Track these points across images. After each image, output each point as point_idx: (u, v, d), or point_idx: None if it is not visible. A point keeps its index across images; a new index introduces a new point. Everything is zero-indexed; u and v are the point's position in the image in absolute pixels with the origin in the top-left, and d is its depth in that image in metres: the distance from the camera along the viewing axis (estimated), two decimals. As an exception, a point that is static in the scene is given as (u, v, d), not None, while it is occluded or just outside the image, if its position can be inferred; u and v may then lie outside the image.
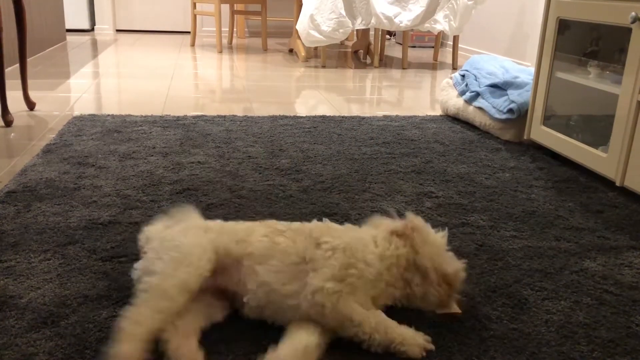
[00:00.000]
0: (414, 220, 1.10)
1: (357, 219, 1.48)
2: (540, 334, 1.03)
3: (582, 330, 1.05)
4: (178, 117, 2.46)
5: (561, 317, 1.08)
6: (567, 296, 1.16)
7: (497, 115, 2.31)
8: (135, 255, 1.18)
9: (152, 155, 1.94)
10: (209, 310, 1.01)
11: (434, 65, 4.46)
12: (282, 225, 1.10)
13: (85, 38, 5.16)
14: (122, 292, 1.10)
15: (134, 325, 0.89)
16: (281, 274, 1.00)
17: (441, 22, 4.09)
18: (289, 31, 5.77)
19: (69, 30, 5.18)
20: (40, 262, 1.20)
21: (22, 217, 1.41)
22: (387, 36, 6.07)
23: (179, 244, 1.02)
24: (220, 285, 1.04)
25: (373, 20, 3.89)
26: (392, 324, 0.97)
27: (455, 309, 1.07)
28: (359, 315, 0.95)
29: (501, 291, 1.17)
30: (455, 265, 1.07)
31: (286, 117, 2.54)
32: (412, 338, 0.96)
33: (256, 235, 1.06)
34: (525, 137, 2.22)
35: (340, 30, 3.86)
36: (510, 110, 2.25)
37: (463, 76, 2.65)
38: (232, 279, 1.03)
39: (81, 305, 1.06)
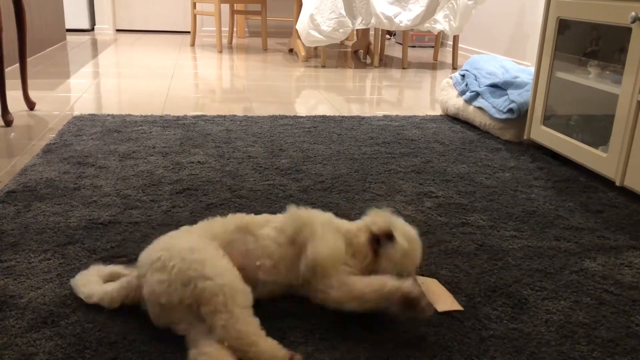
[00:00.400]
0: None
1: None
2: (540, 333, 1.03)
3: (582, 330, 1.05)
4: (178, 117, 2.46)
5: (561, 317, 1.08)
6: (567, 296, 1.16)
7: (497, 115, 2.31)
8: (135, 255, 1.18)
9: (152, 155, 1.94)
10: None
11: (434, 65, 4.46)
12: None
13: (85, 38, 5.16)
14: (122, 292, 1.10)
15: (245, 329, 0.91)
16: (281, 235, 1.09)
17: (441, 22, 4.09)
18: (289, 31, 5.77)
19: (69, 30, 5.18)
20: (40, 262, 1.20)
21: (22, 217, 1.42)
22: (387, 36, 6.07)
23: (188, 245, 1.02)
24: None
25: (373, 20, 3.89)
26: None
27: (457, 306, 1.07)
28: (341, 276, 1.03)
29: (501, 291, 1.17)
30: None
31: (286, 117, 2.54)
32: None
33: (251, 215, 1.17)
34: (525, 137, 2.22)
35: (340, 30, 3.86)
36: (510, 110, 2.25)
37: (463, 76, 2.65)
38: (240, 254, 1.06)
39: (81, 305, 1.06)
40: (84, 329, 0.99)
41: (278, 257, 1.07)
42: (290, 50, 4.82)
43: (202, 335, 0.92)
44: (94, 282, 1.09)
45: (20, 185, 1.61)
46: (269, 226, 1.12)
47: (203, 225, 1.13)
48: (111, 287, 1.06)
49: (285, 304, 1.08)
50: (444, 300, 1.11)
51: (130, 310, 1.04)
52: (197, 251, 0.99)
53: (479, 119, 2.44)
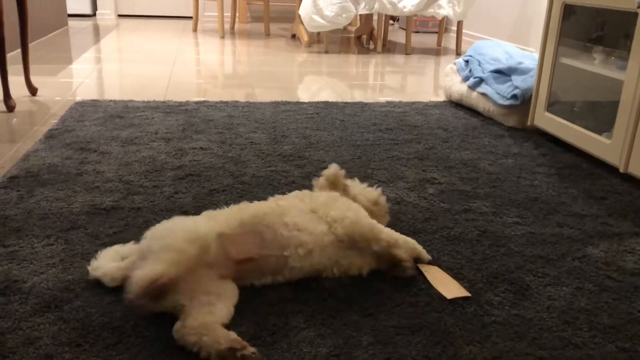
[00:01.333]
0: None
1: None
2: (542, 319, 1.03)
3: (584, 316, 1.05)
4: (180, 102, 2.46)
5: (563, 303, 1.09)
6: (569, 282, 1.16)
7: (501, 101, 2.30)
8: (137, 241, 1.18)
9: (154, 141, 1.93)
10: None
11: (437, 51, 4.43)
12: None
13: (87, 23, 5.13)
14: (125, 277, 1.11)
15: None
16: (307, 221, 1.12)
17: (445, 8, 4.06)
18: (291, 16, 5.74)
19: (70, 16, 5.15)
20: (43, 247, 1.21)
21: (25, 203, 1.42)
22: (391, 21, 6.02)
23: (179, 221, 1.05)
24: (239, 257, 1.05)
25: (376, 5, 3.87)
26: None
27: (464, 292, 1.09)
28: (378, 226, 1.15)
29: (503, 277, 1.17)
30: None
31: (288, 103, 2.54)
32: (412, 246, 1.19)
33: (257, 204, 1.18)
34: (528, 124, 2.21)
35: (344, 15, 3.84)
36: (514, 96, 2.24)
37: (467, 62, 2.63)
38: (254, 245, 1.06)
39: (84, 289, 1.06)
40: (87, 313, 0.99)
41: (314, 244, 1.10)
42: (293, 36, 4.79)
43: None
44: (107, 258, 1.10)
45: (22, 171, 1.62)
46: (289, 215, 1.12)
47: (211, 214, 1.14)
48: (115, 265, 1.08)
49: (287, 289, 1.08)
50: (450, 287, 1.11)
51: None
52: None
53: (482, 105, 2.43)
